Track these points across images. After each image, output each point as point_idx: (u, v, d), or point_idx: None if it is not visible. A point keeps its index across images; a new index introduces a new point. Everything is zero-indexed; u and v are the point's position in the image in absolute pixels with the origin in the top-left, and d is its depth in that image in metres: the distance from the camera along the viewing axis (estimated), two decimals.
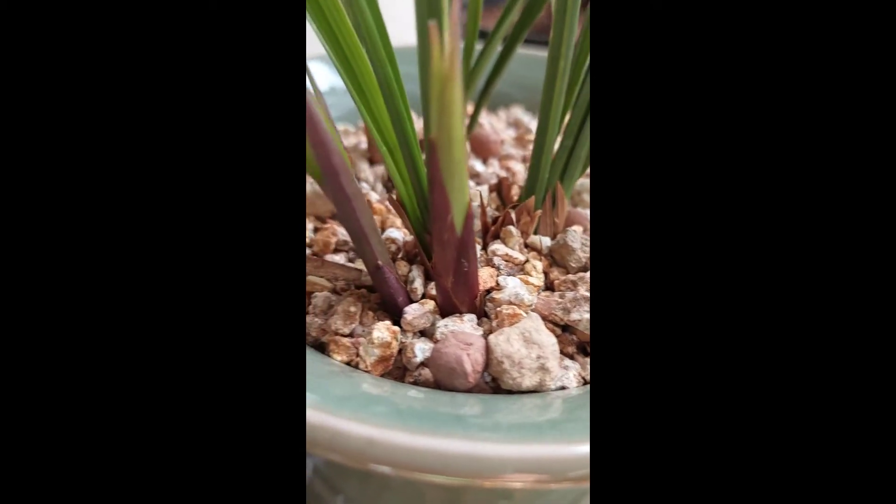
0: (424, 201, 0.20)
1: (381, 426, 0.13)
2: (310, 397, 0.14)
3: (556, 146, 0.22)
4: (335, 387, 0.16)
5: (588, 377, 0.18)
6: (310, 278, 0.21)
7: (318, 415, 0.13)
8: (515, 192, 0.26)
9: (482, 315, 0.20)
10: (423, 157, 0.20)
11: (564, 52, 0.20)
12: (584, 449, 0.13)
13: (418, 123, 0.31)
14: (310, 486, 0.33)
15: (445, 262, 0.18)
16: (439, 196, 0.16)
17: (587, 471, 0.13)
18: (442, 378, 0.17)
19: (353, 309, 0.19)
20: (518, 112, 0.33)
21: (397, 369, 0.19)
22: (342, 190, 0.15)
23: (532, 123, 0.31)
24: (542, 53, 0.36)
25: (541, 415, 0.15)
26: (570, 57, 0.20)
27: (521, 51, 0.30)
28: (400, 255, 0.22)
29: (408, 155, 0.19)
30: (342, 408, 0.13)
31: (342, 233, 0.23)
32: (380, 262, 0.18)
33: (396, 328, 0.18)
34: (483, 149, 0.29)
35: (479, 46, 0.29)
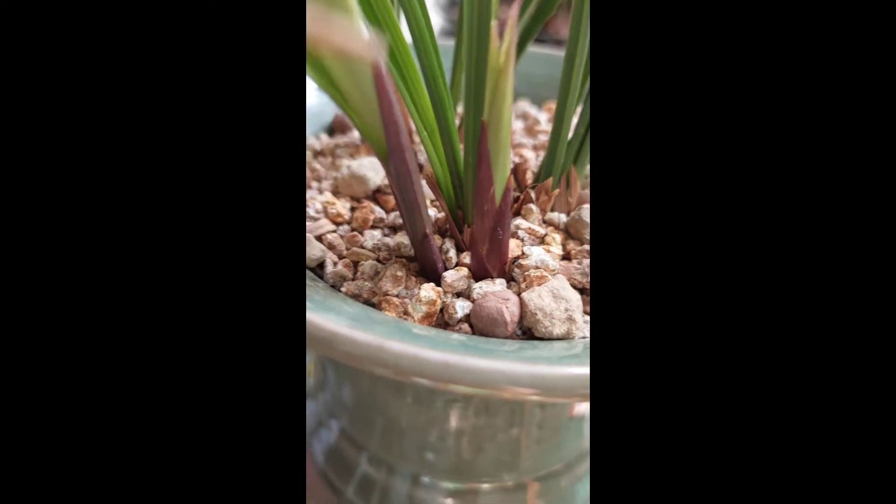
0: (459, 180, 0.23)
1: (442, 351, 0.16)
2: (369, 331, 0.17)
3: (570, 134, 0.25)
4: (391, 325, 0.18)
5: None
6: (355, 249, 0.24)
7: (374, 338, 0.16)
8: (529, 177, 0.29)
9: (510, 280, 0.23)
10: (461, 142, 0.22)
11: (580, 51, 0.23)
12: (586, 371, 0.15)
13: None
14: (336, 448, 0.35)
15: (483, 231, 0.21)
16: (485, 171, 0.19)
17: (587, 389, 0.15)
18: (483, 327, 0.20)
19: (399, 273, 0.22)
20: (525, 105, 0.36)
21: (439, 325, 0.21)
22: (405, 164, 0.18)
23: (539, 115, 0.34)
24: (545, 51, 0.39)
25: (567, 352, 0.18)
26: (585, 55, 0.23)
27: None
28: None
29: (447, 138, 0.22)
30: (402, 337, 0.16)
31: (378, 211, 0.26)
32: (427, 231, 0.21)
33: (439, 288, 0.21)
34: None
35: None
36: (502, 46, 0.15)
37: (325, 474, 0.37)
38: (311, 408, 0.39)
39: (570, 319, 0.20)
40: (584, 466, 0.35)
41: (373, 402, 0.31)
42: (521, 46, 0.30)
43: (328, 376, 0.36)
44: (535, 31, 0.30)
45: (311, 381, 0.40)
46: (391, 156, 0.18)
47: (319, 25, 0.13)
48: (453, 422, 0.29)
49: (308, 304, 0.18)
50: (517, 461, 0.32)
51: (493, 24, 0.15)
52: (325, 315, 0.17)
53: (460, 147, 0.23)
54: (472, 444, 0.29)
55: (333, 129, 0.33)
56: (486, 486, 0.34)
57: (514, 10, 0.15)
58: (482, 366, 0.15)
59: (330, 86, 0.19)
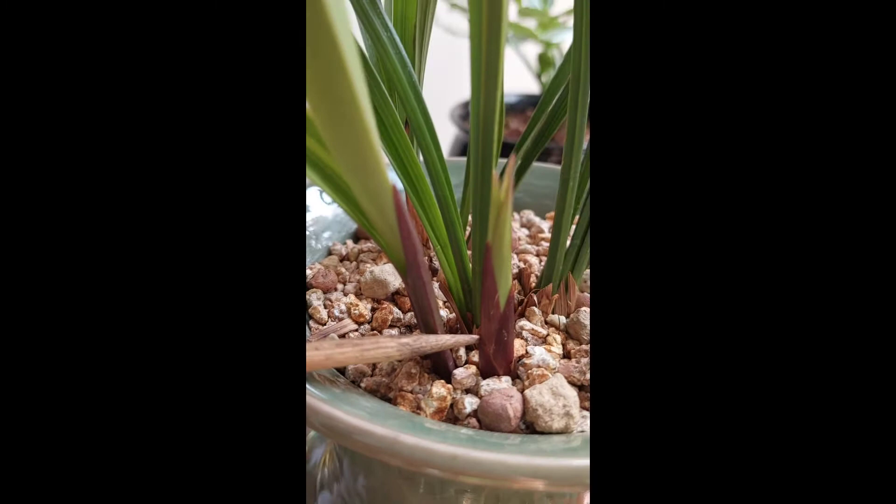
0: (468, 286, 0.26)
1: (451, 444, 0.18)
2: (385, 425, 0.19)
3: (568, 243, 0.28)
4: (405, 419, 0.21)
5: None
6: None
7: (389, 432, 0.18)
8: (533, 280, 0.32)
9: (515, 377, 0.25)
10: (469, 253, 0.25)
11: (573, 175, 0.27)
12: (585, 462, 0.17)
13: None
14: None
15: (489, 333, 0.23)
16: (490, 282, 0.22)
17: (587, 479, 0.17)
18: (490, 422, 0.22)
19: (413, 371, 0.24)
20: (529, 214, 0.39)
21: (449, 419, 0.24)
22: (421, 278, 0.21)
23: (542, 224, 0.38)
24: (548, 166, 0.43)
25: (566, 445, 0.20)
26: (577, 178, 0.27)
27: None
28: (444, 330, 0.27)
29: (457, 252, 0.25)
30: (417, 432, 0.18)
31: (397, 312, 0.29)
32: (439, 333, 0.23)
33: (450, 385, 0.24)
34: None
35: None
36: (502, 187, 0.19)
37: None
38: (326, 499, 0.40)
39: (568, 415, 0.22)
40: None
41: (387, 493, 0.32)
42: (526, 164, 0.34)
43: (343, 467, 0.37)
44: (540, 147, 0.34)
45: (325, 471, 0.41)
46: (409, 270, 0.21)
47: None
48: None
49: (328, 397, 0.20)
50: None
51: (494, 172, 0.19)
52: (343, 408, 0.20)
53: (469, 259, 0.26)
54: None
55: (358, 235, 0.37)
56: None
57: (512, 160, 0.19)
58: (488, 458, 0.17)
59: (355, 210, 0.22)
